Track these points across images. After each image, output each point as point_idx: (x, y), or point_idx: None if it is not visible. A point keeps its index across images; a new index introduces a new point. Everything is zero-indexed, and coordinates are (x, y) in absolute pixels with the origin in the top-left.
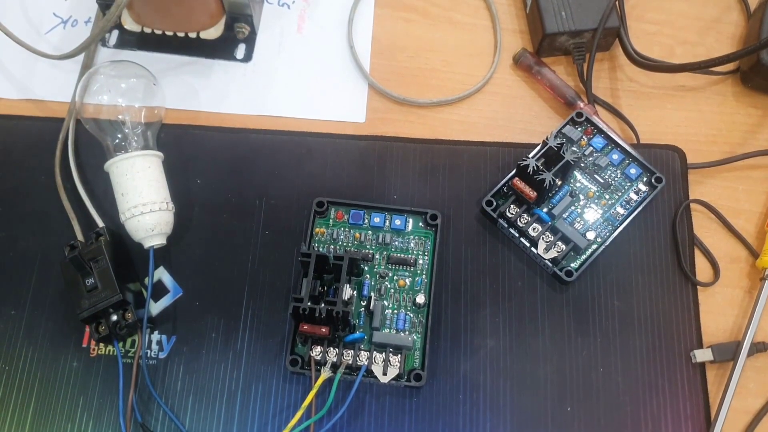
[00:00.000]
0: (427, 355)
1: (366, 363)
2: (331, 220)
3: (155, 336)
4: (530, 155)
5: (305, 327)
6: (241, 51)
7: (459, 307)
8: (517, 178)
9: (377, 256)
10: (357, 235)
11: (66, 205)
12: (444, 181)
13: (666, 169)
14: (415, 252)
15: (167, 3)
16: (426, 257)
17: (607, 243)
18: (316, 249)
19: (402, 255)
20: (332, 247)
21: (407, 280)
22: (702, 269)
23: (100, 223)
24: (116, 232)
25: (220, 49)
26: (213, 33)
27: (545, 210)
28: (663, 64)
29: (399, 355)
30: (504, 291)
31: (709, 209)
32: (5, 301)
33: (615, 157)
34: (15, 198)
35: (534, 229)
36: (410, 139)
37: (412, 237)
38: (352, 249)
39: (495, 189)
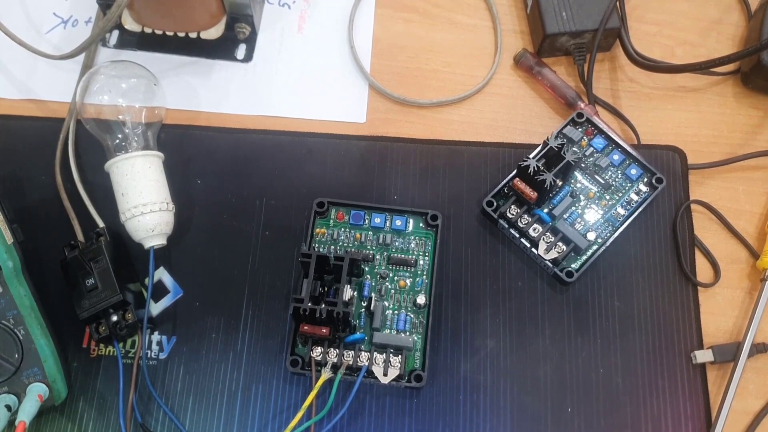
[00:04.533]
0: (427, 356)
1: (366, 364)
2: (331, 221)
3: (155, 336)
4: (531, 156)
5: (306, 327)
6: (241, 51)
7: (459, 307)
8: (517, 179)
9: (378, 257)
10: (357, 235)
11: (66, 205)
12: (444, 182)
13: (666, 169)
14: (415, 252)
15: (168, 3)
16: (426, 258)
17: (608, 244)
18: (316, 249)
19: (402, 255)
20: (333, 247)
21: (408, 281)
22: (702, 270)
23: (101, 223)
24: (116, 232)
25: (221, 49)
26: (213, 33)
27: (546, 211)
28: (663, 65)
29: (399, 356)
30: (504, 292)
31: (710, 210)
32: None
33: (615, 157)
34: (15, 198)
35: (534, 229)
36: (411, 139)
37: (412, 237)
38: (353, 249)
39: (495, 189)
